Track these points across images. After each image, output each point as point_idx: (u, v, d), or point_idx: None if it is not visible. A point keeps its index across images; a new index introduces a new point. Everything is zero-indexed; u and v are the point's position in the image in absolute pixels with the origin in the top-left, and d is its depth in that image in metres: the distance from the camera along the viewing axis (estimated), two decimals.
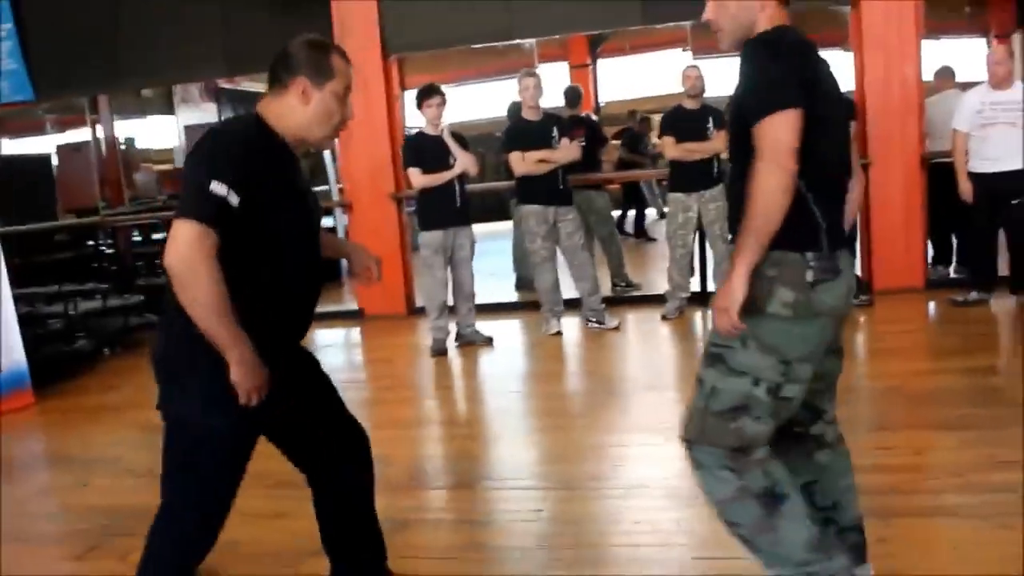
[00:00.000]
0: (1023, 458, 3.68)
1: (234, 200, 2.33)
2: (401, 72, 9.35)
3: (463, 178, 6.78)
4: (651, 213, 13.72)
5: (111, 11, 8.68)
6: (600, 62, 16.22)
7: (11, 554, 3.85)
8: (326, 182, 11.98)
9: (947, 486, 3.64)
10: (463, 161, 6.68)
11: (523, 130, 6.94)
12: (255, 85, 13.15)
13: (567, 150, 6.90)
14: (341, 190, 11.72)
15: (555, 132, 6.90)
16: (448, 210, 6.71)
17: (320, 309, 8.81)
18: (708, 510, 2.65)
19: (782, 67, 2.34)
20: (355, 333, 8.28)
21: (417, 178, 6.66)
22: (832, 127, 2.48)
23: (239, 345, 2.35)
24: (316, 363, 2.90)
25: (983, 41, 13.79)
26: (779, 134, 2.26)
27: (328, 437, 2.85)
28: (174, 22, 8.52)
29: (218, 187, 2.31)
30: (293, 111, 2.56)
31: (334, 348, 7.93)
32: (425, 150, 6.67)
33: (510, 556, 3.42)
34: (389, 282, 8.22)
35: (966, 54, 11.35)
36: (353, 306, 8.68)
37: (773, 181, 2.26)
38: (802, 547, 2.45)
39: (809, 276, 2.37)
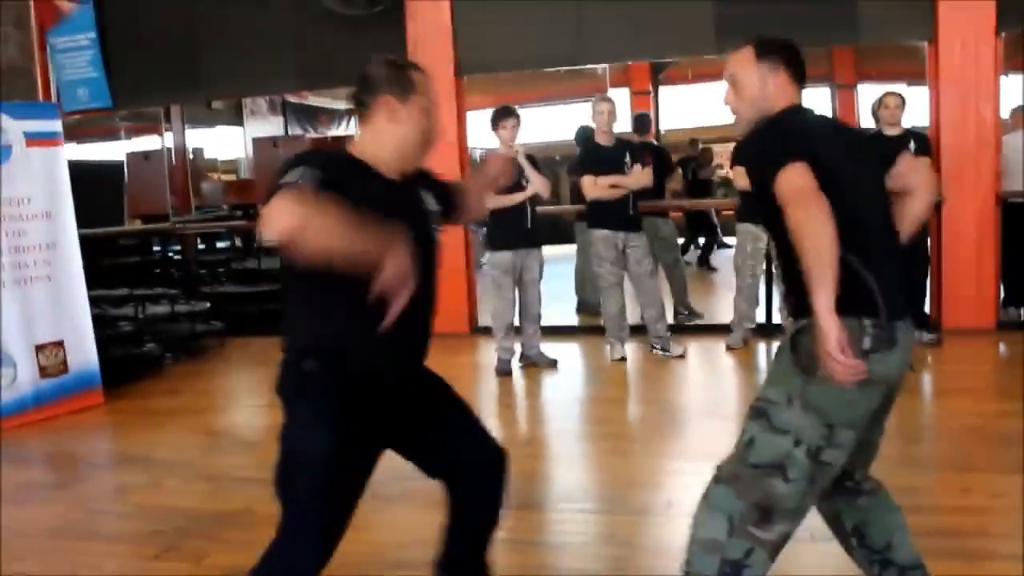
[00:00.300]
0: None
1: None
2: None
3: (535, 200, 6.81)
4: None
5: (189, 23, 8.90)
6: (662, 89, 16.22)
7: (88, 551, 3.92)
8: None
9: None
10: (536, 183, 6.72)
11: (596, 154, 6.97)
12: (321, 100, 13.40)
13: (639, 176, 6.91)
14: None
15: (627, 158, 6.92)
16: (519, 231, 6.75)
17: None
18: None
19: (781, 136, 2.41)
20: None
21: (490, 199, 6.69)
22: (865, 188, 2.46)
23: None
24: (441, 382, 2.84)
25: None
26: (793, 182, 2.24)
27: (455, 453, 2.80)
28: (249, 35, 8.72)
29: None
30: (384, 133, 2.53)
31: None
32: None
33: None
34: (453, 300, 8.30)
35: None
36: None
37: (804, 215, 2.20)
38: None
39: (866, 343, 2.31)
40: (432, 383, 2.79)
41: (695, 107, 16.10)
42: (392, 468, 4.47)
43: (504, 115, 6.73)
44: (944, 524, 3.52)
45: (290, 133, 12.97)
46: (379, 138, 2.53)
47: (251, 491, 4.37)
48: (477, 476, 2.80)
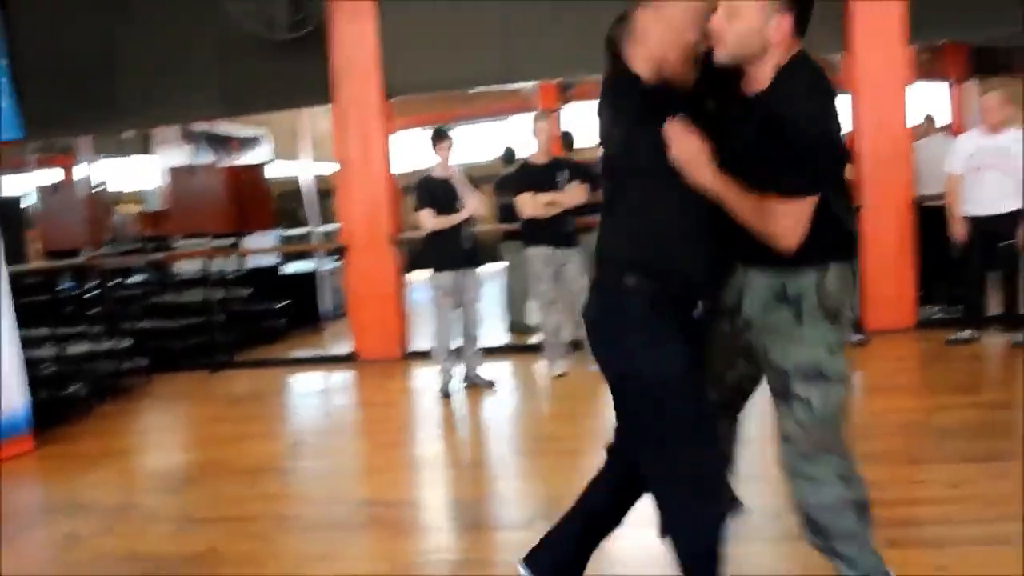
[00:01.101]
0: None
1: None
2: None
3: (471, 220, 6.81)
4: None
5: (104, 50, 8.65)
6: (569, 107, 16.34)
7: None
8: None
9: (991, 515, 3.70)
10: (473, 204, 6.72)
11: (531, 173, 6.99)
12: (232, 127, 13.16)
13: (575, 193, 6.95)
14: (328, 234, 11.75)
15: (562, 176, 6.95)
16: (457, 252, 6.74)
17: (310, 353, 8.81)
18: None
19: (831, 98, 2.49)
20: (350, 377, 8.19)
21: (429, 220, 6.67)
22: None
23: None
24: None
25: (944, 86, 14.18)
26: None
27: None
28: (168, 62, 8.53)
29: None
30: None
31: (329, 392, 7.86)
32: (435, 192, 6.71)
33: None
34: (385, 324, 8.25)
35: (929, 98, 11.67)
36: (345, 350, 8.61)
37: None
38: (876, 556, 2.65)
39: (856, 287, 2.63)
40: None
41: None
42: (353, 497, 4.43)
43: (440, 137, 6.76)
44: (906, 515, 3.64)
45: (200, 162, 12.71)
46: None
47: (211, 531, 4.28)
48: None
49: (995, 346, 7.01)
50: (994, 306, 7.22)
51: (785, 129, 2.34)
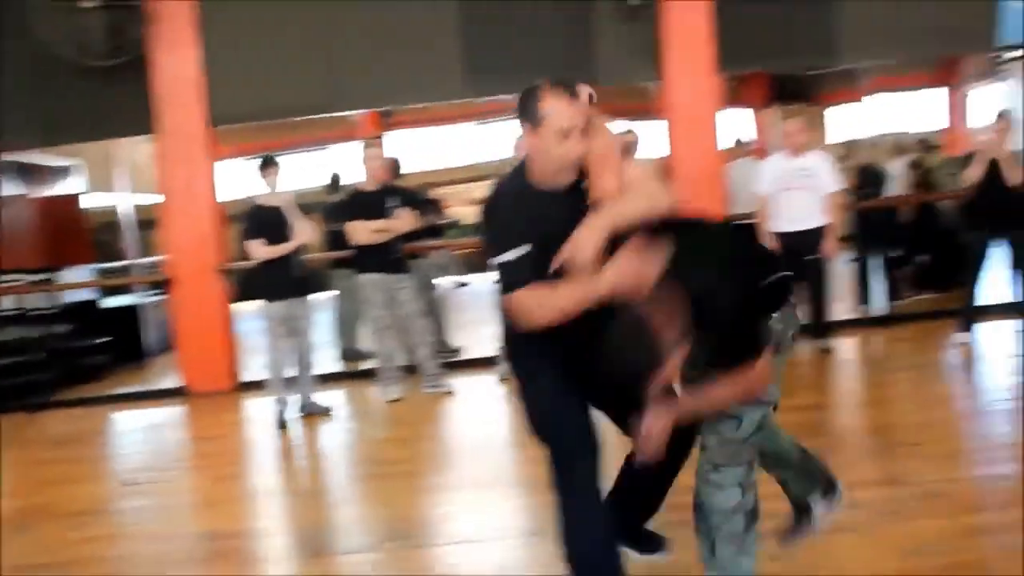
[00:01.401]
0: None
1: (522, 251, 2.72)
2: None
3: (302, 248, 6.83)
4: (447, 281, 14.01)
5: None
6: (390, 135, 16.49)
7: None
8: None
9: None
10: (304, 231, 6.74)
11: (361, 200, 7.05)
12: (41, 158, 12.61)
13: (406, 220, 7.07)
14: (150, 267, 11.43)
15: (392, 202, 7.05)
16: (289, 281, 6.75)
17: (137, 388, 8.58)
18: None
19: None
20: (180, 412, 8.02)
21: (258, 250, 6.65)
22: None
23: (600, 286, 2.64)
24: None
25: (749, 112, 15.07)
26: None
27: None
28: None
29: (507, 256, 2.73)
30: (529, 153, 2.82)
31: (159, 428, 7.68)
32: (265, 221, 6.69)
33: None
34: (214, 356, 8.13)
35: (736, 124, 12.41)
36: (174, 383, 8.43)
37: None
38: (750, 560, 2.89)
39: None
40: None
41: (425, 149, 16.54)
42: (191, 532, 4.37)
43: (268, 164, 6.77)
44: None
45: (4, 193, 12.12)
46: (531, 155, 2.83)
47: None
48: None
49: (804, 353, 7.50)
50: (801, 316, 7.72)
51: None
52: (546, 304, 2.71)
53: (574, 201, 2.78)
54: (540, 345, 2.85)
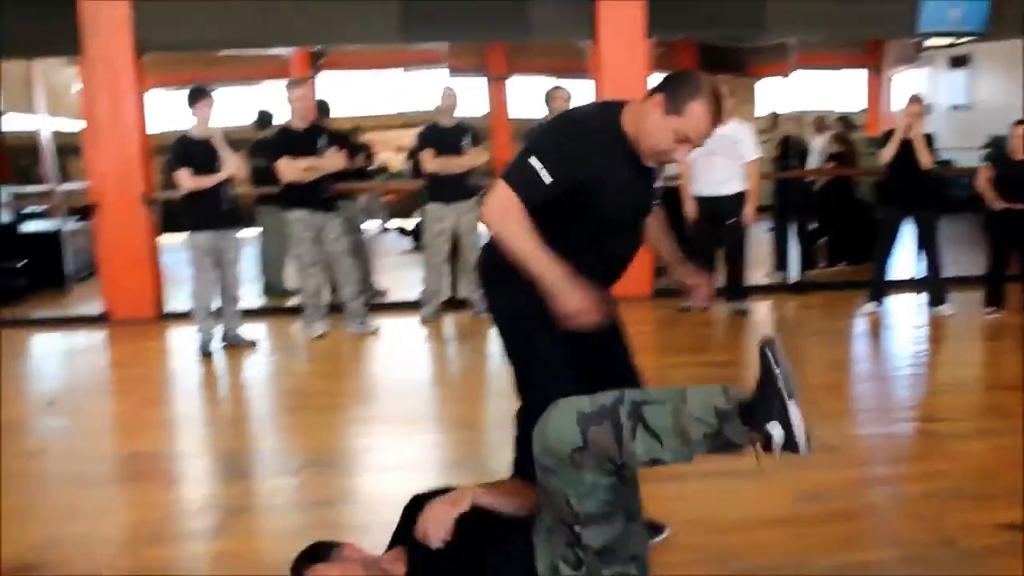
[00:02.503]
0: None
1: (547, 178, 2.69)
2: None
3: (230, 181, 6.82)
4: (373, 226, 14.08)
5: None
6: (322, 76, 16.33)
7: None
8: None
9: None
10: (231, 164, 6.74)
11: (290, 138, 7.05)
12: None
13: (335, 159, 7.11)
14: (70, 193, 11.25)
15: (321, 142, 7.09)
16: (216, 213, 6.73)
17: (57, 313, 8.52)
18: None
19: None
20: (101, 338, 7.97)
21: (187, 180, 6.62)
22: None
23: (547, 274, 2.69)
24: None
25: None
26: None
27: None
28: None
29: (535, 163, 2.71)
30: (645, 117, 2.77)
31: (81, 353, 7.64)
32: (194, 152, 6.66)
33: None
34: (138, 285, 8.10)
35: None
36: (96, 310, 8.36)
37: None
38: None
39: None
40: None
41: (354, 94, 16.44)
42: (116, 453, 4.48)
43: (199, 95, 6.70)
44: None
45: None
46: (641, 118, 2.80)
47: None
48: None
49: (721, 313, 7.77)
50: (720, 279, 7.98)
51: None
52: (514, 229, 2.71)
53: (644, 181, 2.91)
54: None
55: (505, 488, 2.73)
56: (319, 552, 2.57)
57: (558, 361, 2.92)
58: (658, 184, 3.00)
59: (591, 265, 2.83)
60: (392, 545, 2.70)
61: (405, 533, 2.64)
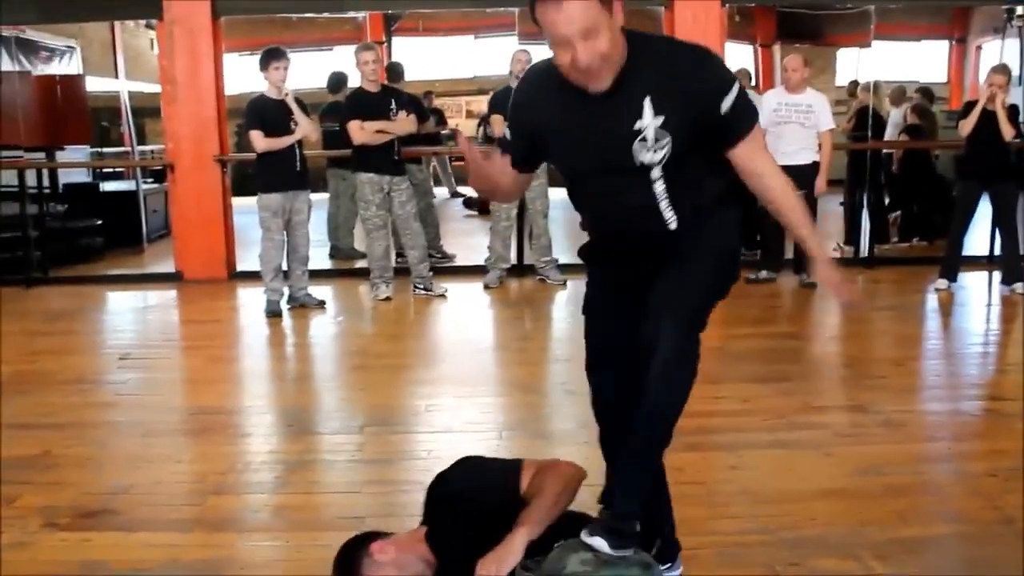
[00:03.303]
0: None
1: (508, 134, 2.51)
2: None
3: (303, 143, 6.91)
4: (443, 192, 14.22)
5: None
6: (395, 40, 16.41)
7: None
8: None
9: (777, 425, 4.29)
10: (305, 126, 6.82)
11: (363, 101, 7.10)
12: (40, 35, 12.55)
13: (404, 122, 7.15)
14: (154, 153, 11.49)
15: (393, 105, 7.13)
16: (288, 174, 6.81)
17: (132, 271, 8.67)
18: None
19: None
20: (174, 296, 8.16)
21: (260, 141, 6.71)
22: None
23: None
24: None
25: (750, 48, 15.06)
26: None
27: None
28: None
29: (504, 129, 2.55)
30: None
31: (154, 309, 7.84)
32: (268, 113, 6.75)
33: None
34: (210, 245, 8.26)
35: (737, 58, 12.44)
36: (169, 268, 8.56)
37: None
38: None
39: None
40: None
41: (427, 59, 16.48)
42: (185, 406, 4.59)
43: (275, 56, 6.74)
44: (705, 425, 4.10)
45: (7, 69, 12.07)
46: None
47: (44, 435, 4.31)
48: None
49: (788, 285, 7.71)
50: (789, 250, 7.89)
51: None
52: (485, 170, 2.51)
53: (602, 116, 2.34)
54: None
55: (546, 495, 2.56)
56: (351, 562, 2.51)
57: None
58: (648, 120, 2.32)
59: (600, 220, 2.62)
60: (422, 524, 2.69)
61: (430, 515, 2.67)
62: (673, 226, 2.45)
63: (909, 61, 15.27)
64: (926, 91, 10.72)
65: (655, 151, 2.32)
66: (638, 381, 2.41)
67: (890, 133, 10.17)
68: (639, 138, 2.31)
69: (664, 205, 2.42)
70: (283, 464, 4.00)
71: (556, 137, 2.45)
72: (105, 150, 12.37)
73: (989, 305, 7.35)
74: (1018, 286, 7.25)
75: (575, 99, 2.33)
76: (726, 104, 2.32)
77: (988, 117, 7.12)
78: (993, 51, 14.48)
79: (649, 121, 2.30)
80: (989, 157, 7.17)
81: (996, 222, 7.55)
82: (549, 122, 2.44)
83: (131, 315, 7.75)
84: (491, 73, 13.72)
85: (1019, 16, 13.52)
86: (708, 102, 2.32)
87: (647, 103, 2.29)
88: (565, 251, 8.11)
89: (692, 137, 2.34)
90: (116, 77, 11.88)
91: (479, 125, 12.52)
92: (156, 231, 10.58)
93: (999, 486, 3.59)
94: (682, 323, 2.41)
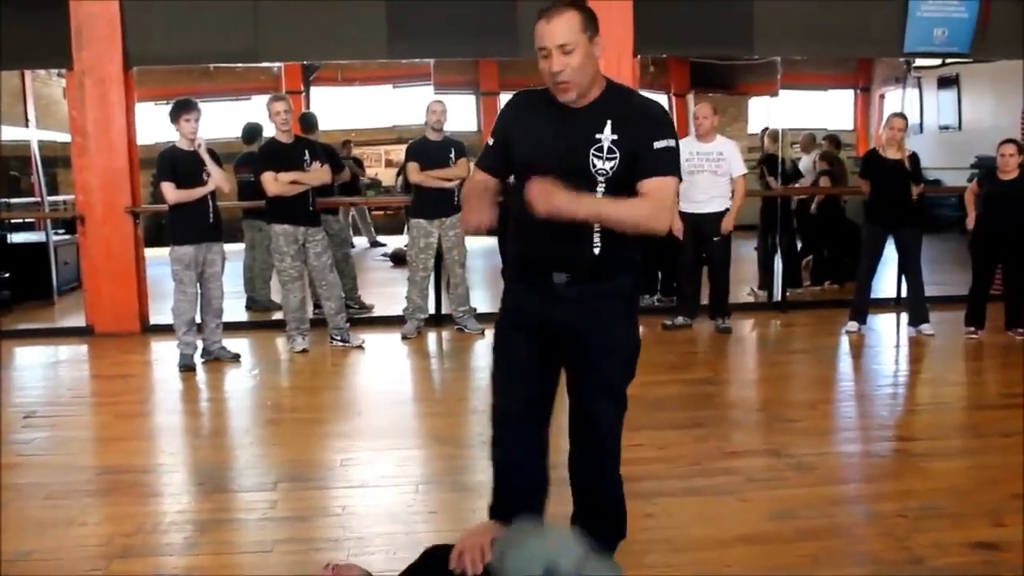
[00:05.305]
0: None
1: (490, 141, 3.03)
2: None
3: (216, 194, 6.83)
4: (362, 241, 14.19)
5: None
6: (314, 90, 16.37)
7: None
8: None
9: (692, 472, 4.35)
10: (217, 177, 6.74)
11: (276, 152, 7.07)
12: None
13: (319, 173, 7.14)
14: (66, 203, 11.24)
15: (307, 155, 7.11)
16: (201, 225, 6.72)
17: (41, 325, 8.46)
18: None
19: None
20: (84, 350, 7.94)
21: (171, 193, 6.60)
22: None
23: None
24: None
25: (664, 97, 15.35)
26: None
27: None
28: None
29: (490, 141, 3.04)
30: None
31: (63, 365, 7.62)
32: (180, 164, 6.66)
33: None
34: (122, 297, 8.09)
35: None
36: (80, 322, 8.35)
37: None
38: None
39: None
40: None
41: (345, 108, 16.48)
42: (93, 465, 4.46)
43: (184, 108, 6.66)
44: (622, 473, 4.11)
45: None
46: None
47: None
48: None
49: (704, 331, 7.81)
50: (704, 296, 8.01)
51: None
52: (468, 190, 3.05)
53: (569, 125, 2.83)
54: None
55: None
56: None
57: None
58: (606, 135, 2.79)
59: (532, 229, 2.82)
60: None
61: None
62: (596, 251, 2.88)
63: (817, 109, 15.73)
64: (833, 138, 11.03)
65: (606, 160, 2.80)
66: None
67: (802, 179, 10.42)
68: (596, 146, 2.80)
69: (597, 225, 2.83)
70: (193, 524, 3.91)
71: (528, 137, 2.92)
72: (14, 200, 12.06)
73: (898, 346, 7.54)
74: (924, 327, 7.47)
75: (554, 113, 2.85)
76: (659, 144, 2.80)
77: (891, 164, 7.35)
78: (895, 99, 15.00)
79: (607, 136, 2.79)
80: (893, 202, 7.39)
81: (902, 265, 7.77)
82: (527, 125, 2.93)
83: (40, 371, 7.51)
84: (410, 122, 13.79)
85: (915, 67, 14.08)
86: (648, 137, 2.79)
87: (608, 123, 2.79)
88: (483, 300, 8.13)
89: (632, 162, 2.79)
90: (27, 126, 11.61)
91: (398, 174, 12.54)
92: (67, 283, 10.31)
93: (908, 526, 3.68)
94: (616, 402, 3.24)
